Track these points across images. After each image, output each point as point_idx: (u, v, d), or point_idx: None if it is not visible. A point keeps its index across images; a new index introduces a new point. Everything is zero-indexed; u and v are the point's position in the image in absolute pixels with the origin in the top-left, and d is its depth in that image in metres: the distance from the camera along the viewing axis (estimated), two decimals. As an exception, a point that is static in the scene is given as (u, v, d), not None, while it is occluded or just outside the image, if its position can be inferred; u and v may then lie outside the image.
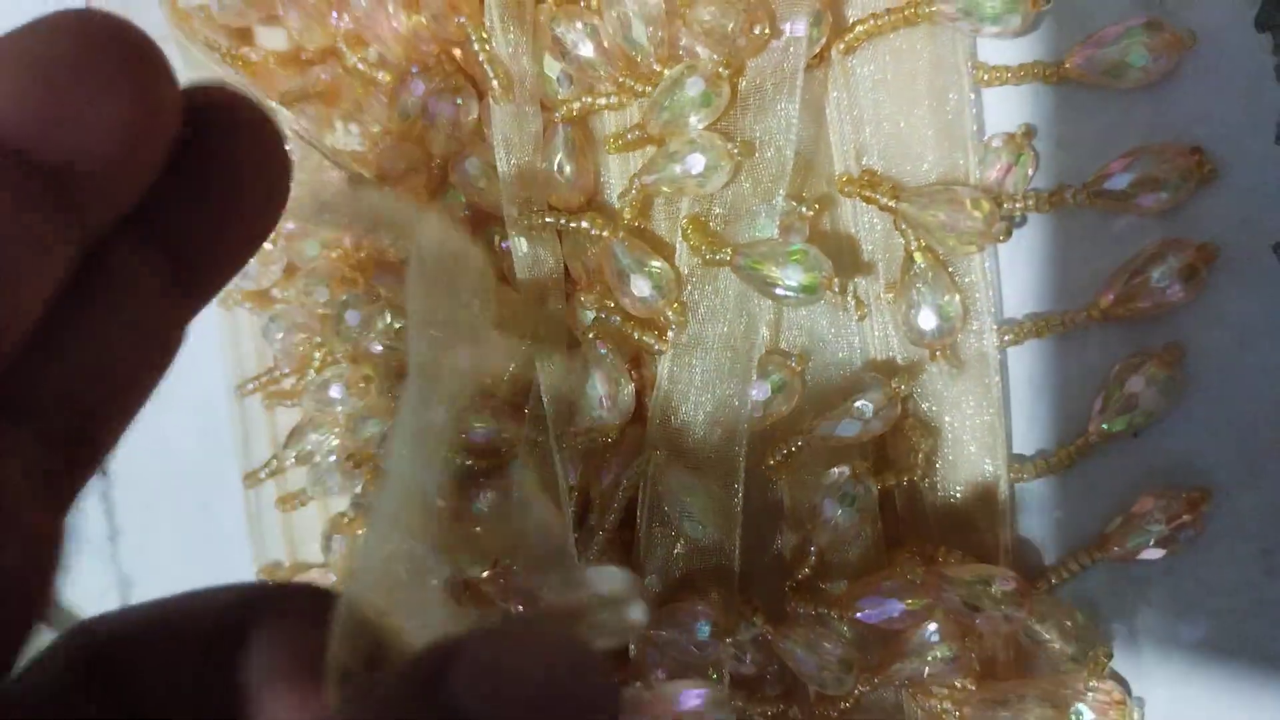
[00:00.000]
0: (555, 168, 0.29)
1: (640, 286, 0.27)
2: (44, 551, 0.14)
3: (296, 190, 0.15)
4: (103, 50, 0.12)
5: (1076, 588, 0.27)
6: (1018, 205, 0.26)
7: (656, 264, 0.27)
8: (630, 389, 0.29)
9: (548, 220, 0.29)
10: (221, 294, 0.18)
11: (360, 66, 0.32)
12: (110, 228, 0.14)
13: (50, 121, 0.12)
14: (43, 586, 0.13)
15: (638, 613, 0.18)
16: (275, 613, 0.16)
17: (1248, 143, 0.24)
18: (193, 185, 0.14)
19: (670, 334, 0.28)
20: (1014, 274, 0.27)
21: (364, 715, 0.13)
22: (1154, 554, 0.26)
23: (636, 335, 0.28)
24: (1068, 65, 0.25)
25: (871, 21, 0.26)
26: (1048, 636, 0.26)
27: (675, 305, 0.27)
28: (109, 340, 0.15)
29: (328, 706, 0.14)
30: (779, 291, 0.26)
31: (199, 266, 0.15)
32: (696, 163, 0.26)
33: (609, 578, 0.18)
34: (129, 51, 0.13)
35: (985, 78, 0.26)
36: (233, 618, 0.16)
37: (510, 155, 0.29)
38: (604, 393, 0.28)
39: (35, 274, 0.13)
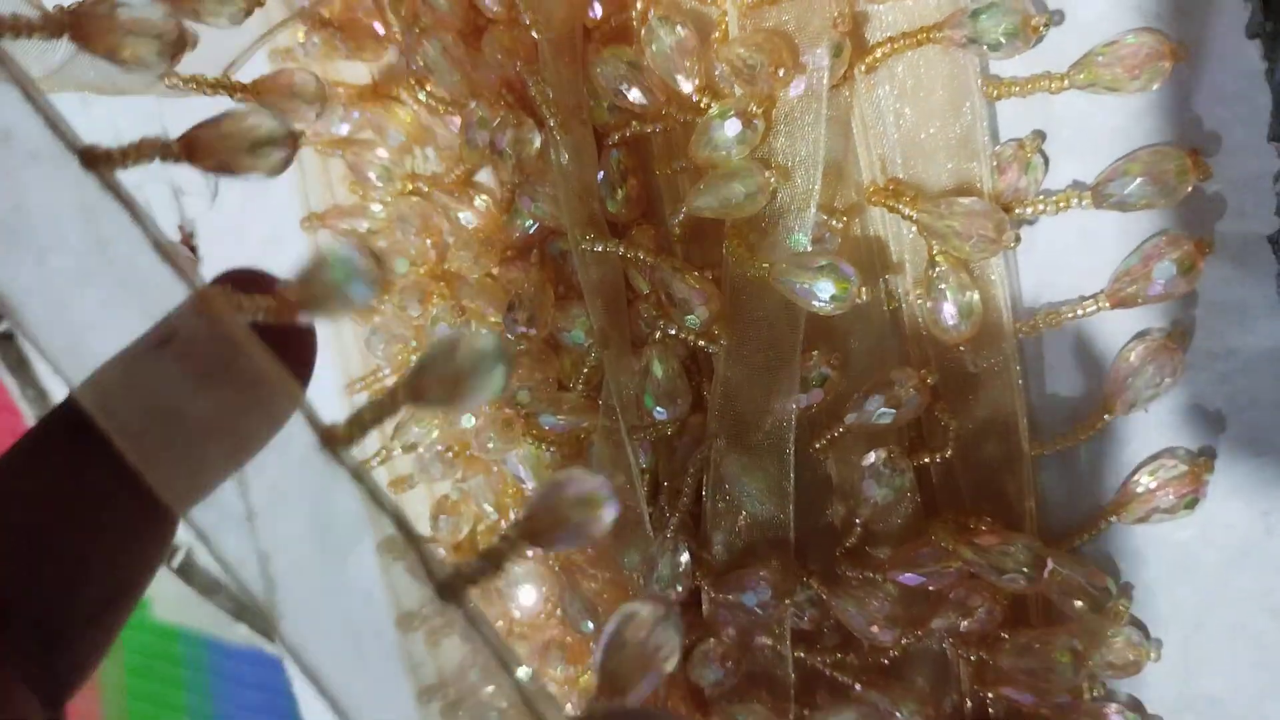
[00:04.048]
0: (609, 189, 0.32)
1: (689, 319, 0.31)
2: None
3: None
4: None
5: (1096, 547, 0.30)
6: (1029, 209, 0.28)
7: (699, 296, 0.31)
8: (686, 400, 0.32)
9: (607, 249, 0.32)
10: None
11: (430, 102, 0.35)
12: None
13: None
14: None
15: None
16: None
17: (1241, 142, 0.26)
18: None
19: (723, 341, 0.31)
20: (1029, 269, 0.29)
21: None
22: (1164, 517, 0.28)
23: (693, 341, 0.32)
24: (1072, 76, 0.27)
25: (889, 45, 0.29)
26: (1071, 591, 0.30)
27: (718, 325, 0.31)
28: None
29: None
30: (813, 302, 0.29)
31: None
32: (738, 191, 0.29)
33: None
34: None
35: (995, 92, 0.28)
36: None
37: (569, 181, 0.32)
38: (663, 406, 0.32)
39: None
